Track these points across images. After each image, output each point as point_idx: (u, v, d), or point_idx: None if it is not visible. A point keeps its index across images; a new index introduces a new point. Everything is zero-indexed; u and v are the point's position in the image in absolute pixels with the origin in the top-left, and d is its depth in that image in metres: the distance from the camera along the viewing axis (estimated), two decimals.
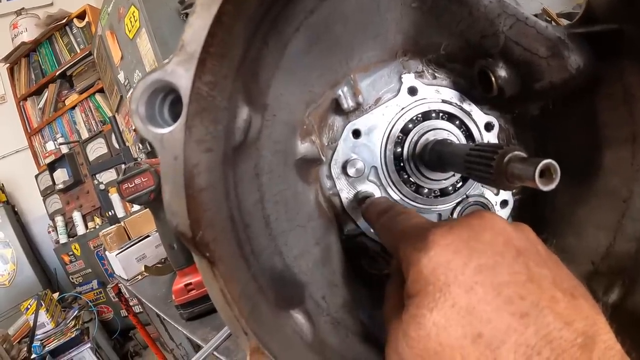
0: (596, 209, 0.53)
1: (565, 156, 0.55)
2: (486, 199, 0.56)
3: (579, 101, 0.51)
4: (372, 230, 0.52)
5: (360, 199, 0.51)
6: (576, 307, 0.29)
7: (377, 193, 0.52)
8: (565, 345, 0.26)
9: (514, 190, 0.58)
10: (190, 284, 0.92)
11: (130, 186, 0.90)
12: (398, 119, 0.51)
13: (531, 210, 0.59)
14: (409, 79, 0.52)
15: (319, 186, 0.49)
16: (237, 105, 0.29)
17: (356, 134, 0.51)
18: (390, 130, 0.51)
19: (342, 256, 0.47)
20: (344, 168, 0.50)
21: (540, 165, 0.30)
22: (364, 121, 0.51)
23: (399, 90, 0.51)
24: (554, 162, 0.31)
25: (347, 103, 0.48)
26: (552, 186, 0.31)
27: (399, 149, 0.51)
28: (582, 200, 0.54)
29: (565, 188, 0.56)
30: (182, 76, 0.23)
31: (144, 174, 0.90)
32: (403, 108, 0.51)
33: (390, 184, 0.52)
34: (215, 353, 0.74)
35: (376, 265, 0.54)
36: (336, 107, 0.49)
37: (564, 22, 1.71)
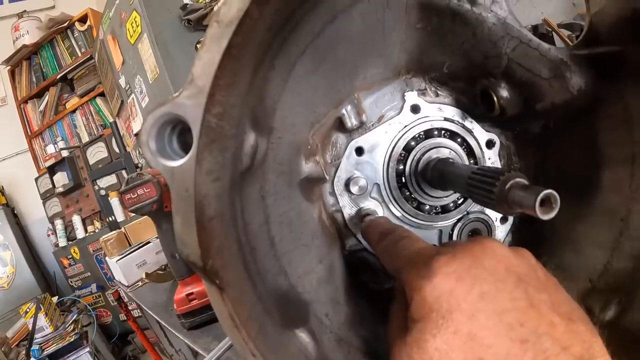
0: (594, 227, 0.53)
1: (565, 174, 0.56)
2: (486, 215, 0.57)
3: (579, 121, 0.51)
4: None
5: (363, 216, 0.51)
6: (573, 331, 0.29)
7: (380, 210, 0.52)
8: None
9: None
10: (192, 293, 0.92)
11: (133, 197, 0.90)
12: (401, 137, 0.52)
13: (530, 227, 0.59)
14: (412, 97, 0.52)
15: (322, 203, 0.50)
16: (245, 131, 0.29)
17: (359, 151, 0.51)
18: (393, 148, 0.51)
19: (344, 273, 0.48)
20: (346, 185, 0.51)
21: (541, 195, 0.31)
22: (366, 139, 0.51)
23: (401, 108, 0.52)
24: (554, 192, 0.31)
25: (351, 122, 0.49)
26: (552, 215, 0.32)
27: (401, 167, 0.52)
28: (581, 217, 0.54)
29: (565, 205, 0.56)
30: (192, 110, 0.23)
31: (146, 185, 0.90)
32: (406, 126, 0.52)
33: (392, 200, 0.52)
34: None
35: (377, 280, 0.55)
36: (340, 125, 0.49)
37: (565, 32, 1.72)
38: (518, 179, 0.34)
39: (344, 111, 0.48)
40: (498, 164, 0.57)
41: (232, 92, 0.25)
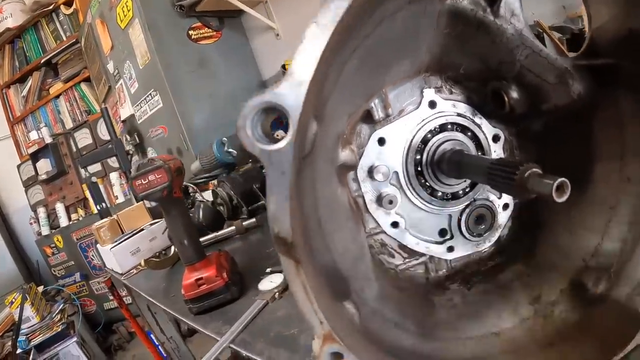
0: (587, 214, 0.59)
1: (561, 167, 0.62)
2: (491, 202, 0.63)
3: (577, 121, 0.57)
4: (391, 228, 0.58)
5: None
6: None
7: (398, 195, 0.57)
8: None
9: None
10: (201, 278, 0.94)
11: (144, 182, 0.91)
12: (419, 130, 0.57)
13: (529, 213, 0.65)
14: (430, 94, 0.57)
15: (348, 189, 0.55)
16: (311, 120, 0.34)
17: (381, 141, 0.56)
18: (412, 140, 0.57)
19: (369, 252, 0.53)
20: (369, 172, 0.56)
21: (557, 182, 0.37)
22: (388, 130, 0.56)
23: (420, 103, 0.57)
24: (566, 180, 0.37)
25: (378, 114, 0.54)
26: (564, 198, 0.37)
27: (419, 157, 0.57)
28: (575, 205, 0.60)
29: None
30: (292, 99, 0.27)
31: (158, 171, 0.91)
32: (423, 120, 0.57)
33: (410, 187, 0.57)
34: (232, 345, 0.77)
35: (392, 260, 0.60)
36: (367, 117, 0.54)
37: (556, 35, 1.80)
38: (535, 169, 0.40)
39: (372, 104, 0.53)
40: (502, 156, 0.62)
41: (320, 86, 0.29)
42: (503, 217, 0.65)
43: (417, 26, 0.47)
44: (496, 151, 0.62)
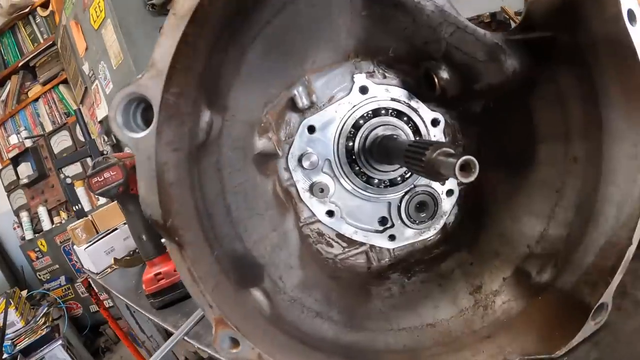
0: (532, 198, 0.58)
1: (506, 150, 0.61)
2: (433, 188, 0.61)
3: (516, 100, 0.55)
4: (327, 217, 0.57)
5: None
6: None
7: (330, 183, 0.56)
8: None
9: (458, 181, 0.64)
10: (159, 273, 0.94)
11: (100, 180, 0.91)
12: (350, 116, 0.56)
13: (474, 199, 0.64)
14: (361, 79, 0.56)
15: (276, 178, 0.53)
16: (200, 109, 0.33)
17: (311, 129, 0.55)
18: (343, 126, 0.55)
19: (298, 241, 0.52)
20: (299, 161, 0.55)
21: (461, 160, 0.35)
22: (318, 118, 0.55)
23: (351, 89, 0.56)
24: (473, 158, 0.36)
25: (302, 102, 0.53)
26: (471, 179, 0.36)
27: (351, 143, 0.56)
28: (519, 189, 0.59)
29: (505, 178, 0.62)
30: (152, 89, 0.27)
31: (112, 168, 0.91)
32: (355, 105, 0.56)
33: (343, 175, 0.56)
34: (186, 338, 0.77)
35: (331, 250, 0.59)
36: (292, 105, 0.53)
37: None
38: (445, 148, 0.39)
39: (295, 92, 0.52)
40: (443, 141, 0.61)
41: (188, 74, 0.29)
42: (447, 203, 0.64)
43: (327, 10, 0.45)
44: (436, 136, 0.61)
